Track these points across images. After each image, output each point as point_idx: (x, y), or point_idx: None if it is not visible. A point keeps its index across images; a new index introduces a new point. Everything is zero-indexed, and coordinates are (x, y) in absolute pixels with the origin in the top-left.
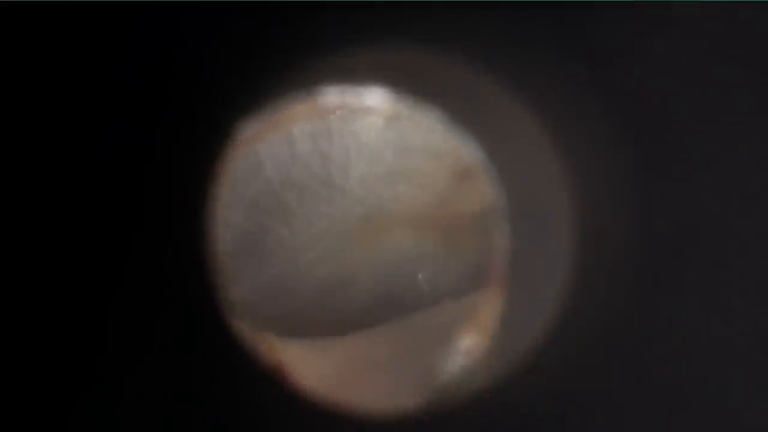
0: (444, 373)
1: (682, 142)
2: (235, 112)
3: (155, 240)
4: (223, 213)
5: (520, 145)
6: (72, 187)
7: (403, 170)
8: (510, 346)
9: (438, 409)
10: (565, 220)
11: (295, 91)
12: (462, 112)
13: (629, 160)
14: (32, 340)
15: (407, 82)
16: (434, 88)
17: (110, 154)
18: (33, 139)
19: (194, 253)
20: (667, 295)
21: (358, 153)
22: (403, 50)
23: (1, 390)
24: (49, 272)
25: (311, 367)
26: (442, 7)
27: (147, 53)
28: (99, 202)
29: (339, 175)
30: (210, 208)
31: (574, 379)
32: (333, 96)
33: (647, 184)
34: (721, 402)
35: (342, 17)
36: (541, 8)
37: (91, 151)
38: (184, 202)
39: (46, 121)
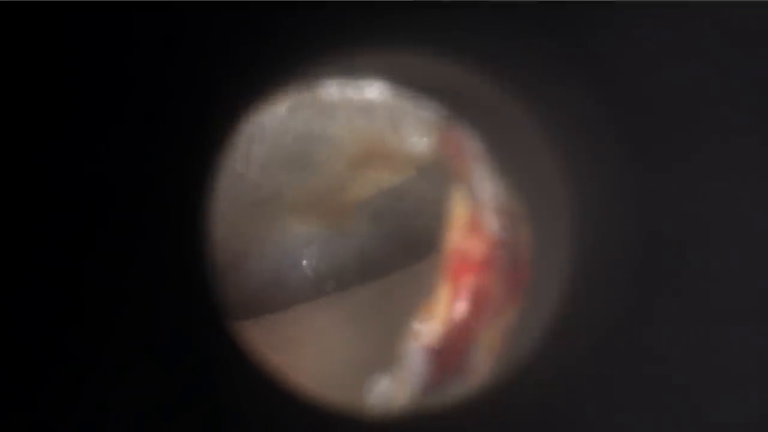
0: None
1: (682, 142)
2: (235, 108)
3: (152, 239)
4: None
5: (520, 145)
6: (66, 186)
7: (301, 157)
8: (510, 345)
9: (426, 409)
10: (565, 220)
11: (294, 84)
12: (462, 111)
13: (629, 160)
14: (27, 341)
15: (408, 82)
16: (435, 87)
17: (107, 153)
18: (31, 138)
19: (192, 252)
20: (666, 296)
21: (260, 139)
22: (404, 50)
23: None
24: (45, 272)
25: None
26: (441, 7)
27: (148, 51)
28: (95, 201)
29: (240, 161)
30: (208, 205)
31: (574, 380)
32: (333, 90)
33: (647, 184)
34: (722, 402)
35: (342, 17)
36: (541, 9)
37: (86, 151)
38: (182, 201)
39: (44, 119)
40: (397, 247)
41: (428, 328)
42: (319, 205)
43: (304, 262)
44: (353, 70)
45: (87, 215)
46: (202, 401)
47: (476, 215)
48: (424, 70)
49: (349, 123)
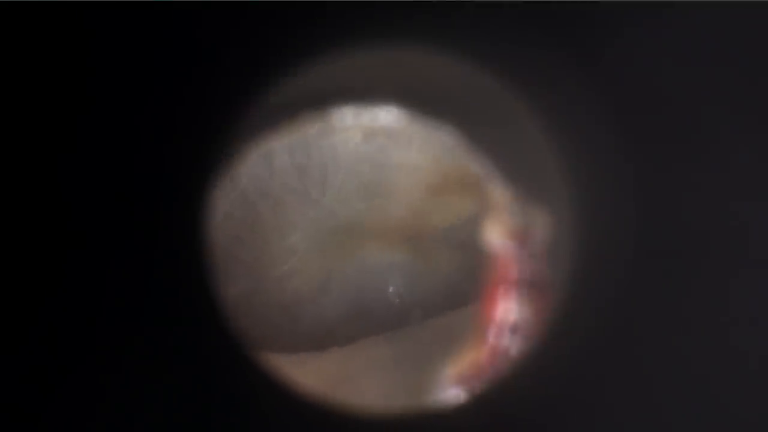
0: (440, 382)
1: (682, 142)
2: (239, 117)
3: (152, 241)
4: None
5: (521, 146)
6: (62, 187)
7: (378, 184)
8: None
9: (435, 411)
10: (565, 220)
11: (307, 108)
12: (465, 113)
13: (629, 160)
14: (26, 341)
15: (413, 85)
16: (438, 89)
17: (107, 155)
18: (32, 138)
19: (191, 254)
20: (667, 296)
21: (335, 167)
22: (405, 51)
23: None
24: (42, 273)
25: (296, 377)
26: (441, 7)
27: (148, 52)
28: (95, 202)
29: (315, 189)
30: (208, 210)
31: (574, 379)
32: (346, 115)
33: (647, 184)
34: (722, 403)
35: (341, 16)
36: (542, 8)
37: (87, 152)
38: (182, 204)
39: (45, 119)
40: (483, 276)
41: (465, 361)
42: (400, 233)
43: (391, 289)
44: (365, 94)
45: (91, 218)
46: (203, 403)
47: (514, 240)
48: (426, 73)
49: (425, 149)
